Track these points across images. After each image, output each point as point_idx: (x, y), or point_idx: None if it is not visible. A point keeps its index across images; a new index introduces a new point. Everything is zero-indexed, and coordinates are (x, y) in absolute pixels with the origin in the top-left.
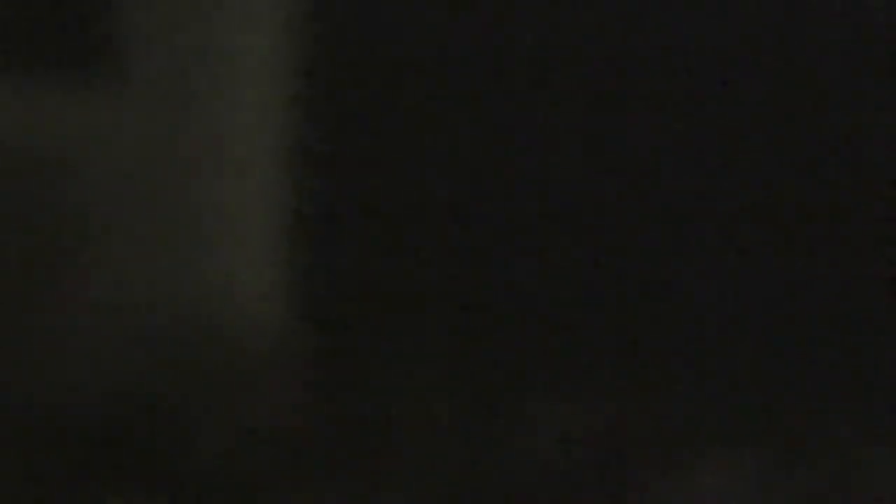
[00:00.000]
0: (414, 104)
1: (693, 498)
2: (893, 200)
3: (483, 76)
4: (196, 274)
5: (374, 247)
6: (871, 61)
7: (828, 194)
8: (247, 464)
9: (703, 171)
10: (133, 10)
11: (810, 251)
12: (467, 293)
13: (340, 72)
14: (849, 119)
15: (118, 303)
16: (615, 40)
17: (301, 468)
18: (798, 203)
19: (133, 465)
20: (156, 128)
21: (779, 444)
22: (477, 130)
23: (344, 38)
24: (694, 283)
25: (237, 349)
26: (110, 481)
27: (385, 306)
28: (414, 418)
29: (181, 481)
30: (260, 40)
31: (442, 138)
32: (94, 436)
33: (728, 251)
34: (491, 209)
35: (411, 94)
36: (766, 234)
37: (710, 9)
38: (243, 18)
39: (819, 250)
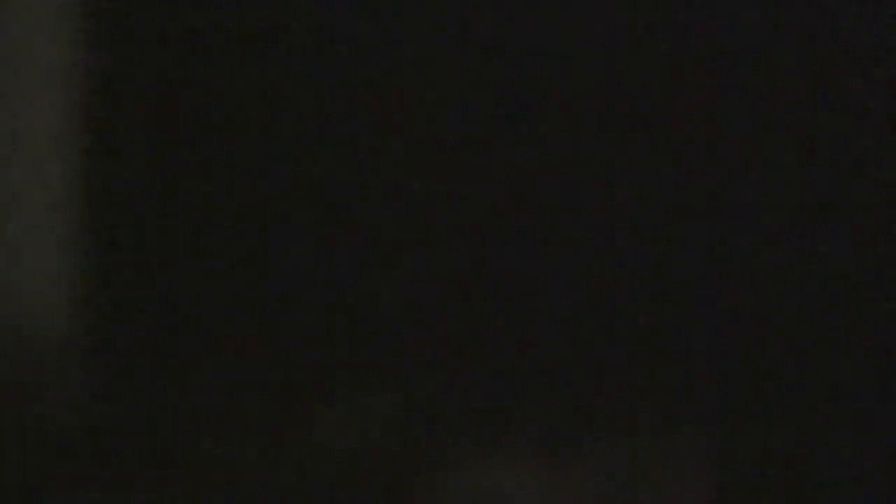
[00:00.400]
0: (205, 108)
1: (480, 495)
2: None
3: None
4: None
5: (165, 252)
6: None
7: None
8: (28, 469)
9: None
10: None
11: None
12: (258, 296)
13: (131, 79)
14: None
15: None
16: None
17: (90, 474)
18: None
19: None
20: None
21: (563, 440)
22: (266, 133)
23: (132, 46)
24: (473, 282)
25: (20, 356)
26: None
27: (177, 310)
28: (206, 420)
29: None
30: (48, 47)
31: (232, 142)
32: None
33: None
34: (280, 210)
35: (203, 97)
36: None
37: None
38: (33, 26)
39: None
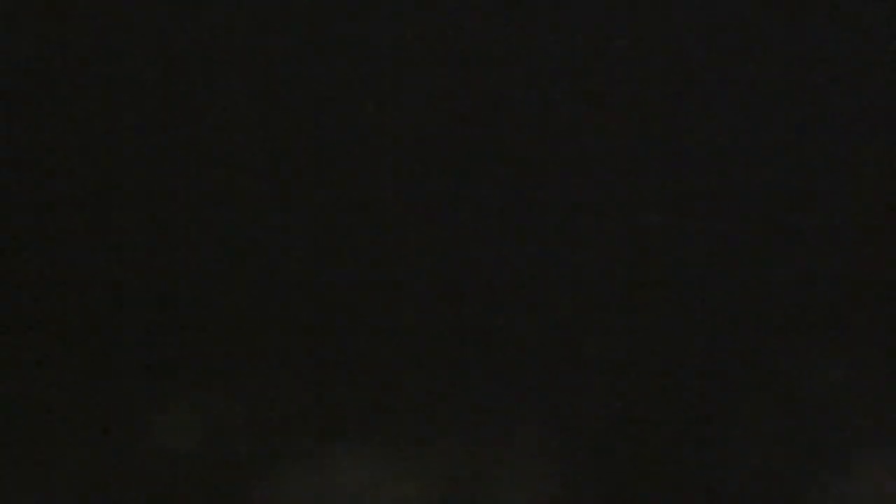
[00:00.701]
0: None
1: (313, 494)
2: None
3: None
4: None
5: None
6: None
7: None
8: None
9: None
10: None
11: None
12: (83, 290)
13: None
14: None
15: None
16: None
17: None
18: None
19: None
20: None
21: (402, 437)
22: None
23: None
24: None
25: None
26: None
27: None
28: (27, 419)
29: None
30: None
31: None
32: None
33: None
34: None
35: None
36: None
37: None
38: None
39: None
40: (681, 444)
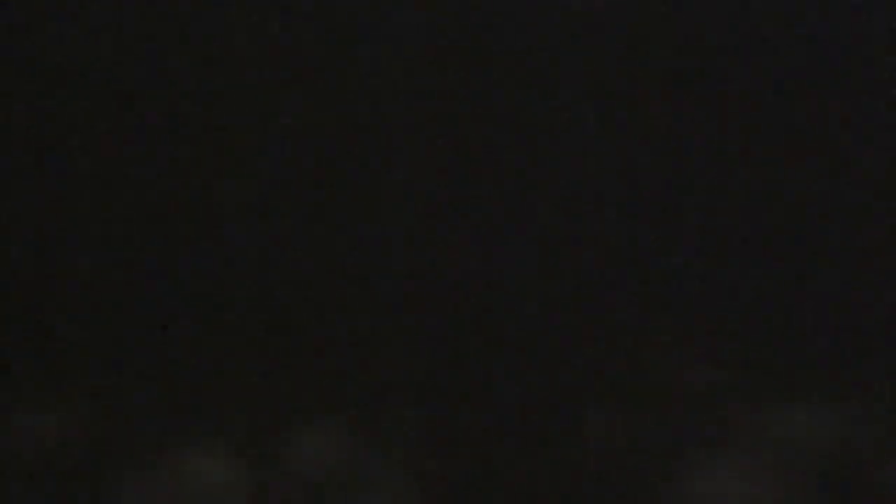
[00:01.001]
0: None
1: (181, 493)
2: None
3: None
4: None
5: None
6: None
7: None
8: None
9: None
10: None
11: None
12: None
13: None
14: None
15: None
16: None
17: None
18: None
19: None
20: None
21: (265, 439)
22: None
23: None
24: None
25: None
26: None
27: None
28: None
29: None
30: None
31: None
32: None
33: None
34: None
35: None
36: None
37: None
38: None
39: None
40: (547, 439)
